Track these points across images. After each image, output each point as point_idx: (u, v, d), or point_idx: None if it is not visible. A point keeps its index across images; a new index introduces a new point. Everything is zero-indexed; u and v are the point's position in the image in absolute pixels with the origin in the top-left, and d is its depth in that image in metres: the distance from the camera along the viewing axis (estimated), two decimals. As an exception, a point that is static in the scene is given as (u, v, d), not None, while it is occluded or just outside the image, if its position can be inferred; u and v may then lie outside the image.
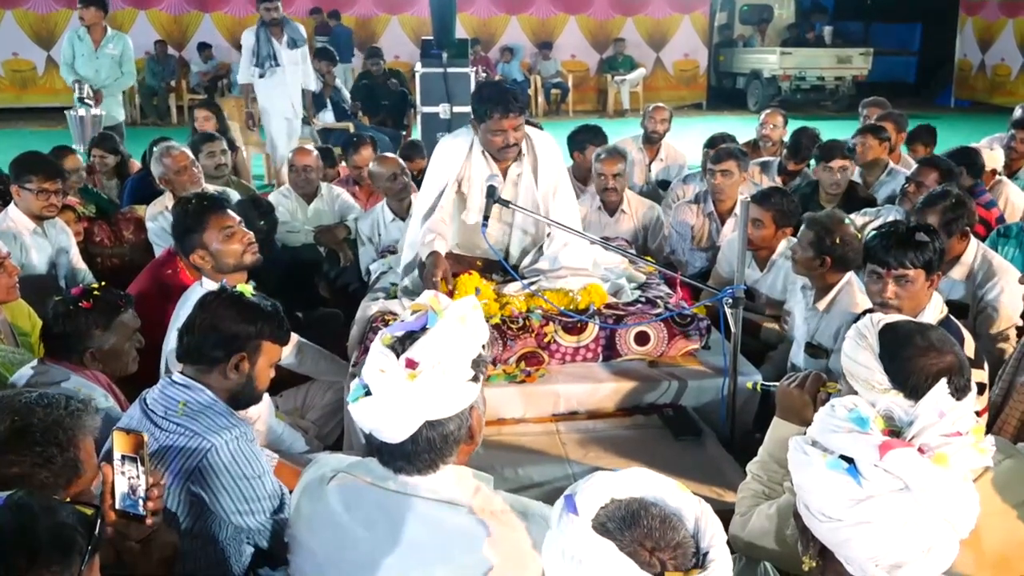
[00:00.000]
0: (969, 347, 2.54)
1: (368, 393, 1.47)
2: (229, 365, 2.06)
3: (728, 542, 1.87)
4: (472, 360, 1.52)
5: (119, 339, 2.50)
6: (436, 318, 1.51)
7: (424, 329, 1.50)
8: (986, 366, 2.57)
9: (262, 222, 4.18)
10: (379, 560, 1.52)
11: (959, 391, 1.71)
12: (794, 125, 6.37)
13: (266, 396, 2.49)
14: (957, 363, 1.76)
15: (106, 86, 6.88)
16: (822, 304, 3.18)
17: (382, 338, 1.52)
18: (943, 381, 1.33)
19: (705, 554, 1.10)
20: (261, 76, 7.28)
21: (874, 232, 2.75)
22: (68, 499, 1.44)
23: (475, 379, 1.53)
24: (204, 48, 14.56)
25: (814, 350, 3.14)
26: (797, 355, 3.24)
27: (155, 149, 4.50)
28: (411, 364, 1.45)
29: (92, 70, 6.83)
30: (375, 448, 1.56)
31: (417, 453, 1.52)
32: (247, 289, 2.17)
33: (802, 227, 3.24)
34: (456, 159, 3.34)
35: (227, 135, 6.28)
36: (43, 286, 3.60)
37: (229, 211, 3.00)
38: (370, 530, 1.54)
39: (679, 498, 1.15)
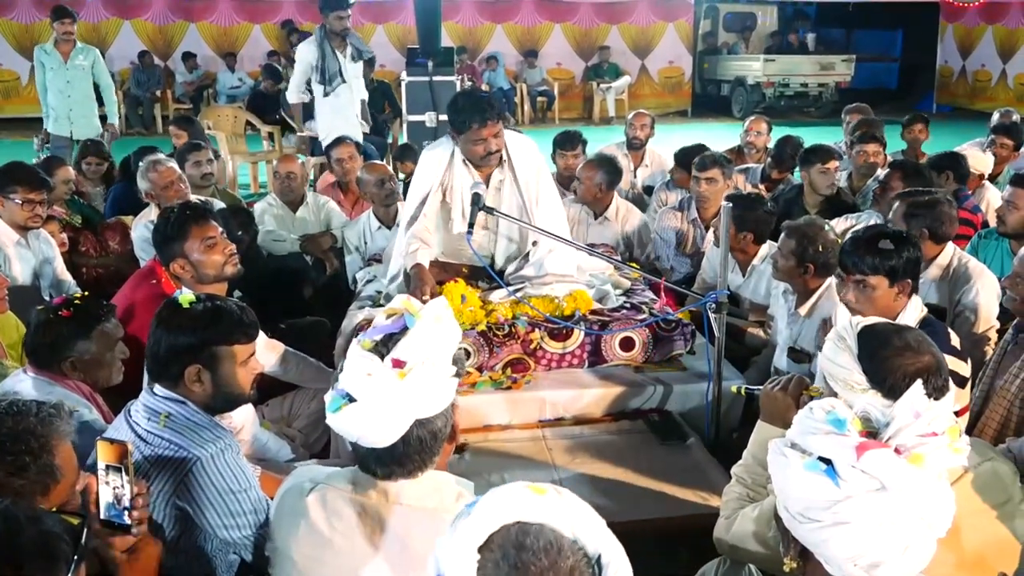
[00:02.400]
0: (955, 341, 2.55)
1: (351, 400, 1.47)
2: (187, 379, 1.99)
3: (713, 545, 1.90)
4: (453, 356, 1.55)
5: (100, 348, 2.47)
6: (414, 319, 1.52)
7: (405, 330, 1.51)
8: (969, 361, 2.59)
9: (240, 231, 4.14)
10: (360, 569, 1.52)
11: (936, 391, 1.72)
12: (778, 131, 6.42)
13: (249, 406, 2.48)
14: (934, 363, 1.78)
15: (82, 104, 6.75)
16: (804, 309, 3.20)
17: (361, 343, 1.52)
18: (919, 382, 1.35)
19: (598, 559, 1.04)
20: (326, 95, 6.49)
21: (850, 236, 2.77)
22: (52, 507, 1.44)
23: (456, 375, 1.56)
24: (189, 58, 14.49)
25: (797, 354, 3.17)
26: (780, 359, 3.26)
27: (141, 164, 4.34)
28: (398, 363, 1.47)
29: (63, 81, 6.69)
30: (362, 455, 1.56)
31: (408, 454, 1.52)
32: (186, 298, 2.06)
33: (782, 236, 3.25)
34: (438, 169, 3.35)
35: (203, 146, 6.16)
36: (27, 297, 3.57)
37: (212, 221, 2.94)
38: (350, 540, 1.54)
39: (542, 506, 1.06)
